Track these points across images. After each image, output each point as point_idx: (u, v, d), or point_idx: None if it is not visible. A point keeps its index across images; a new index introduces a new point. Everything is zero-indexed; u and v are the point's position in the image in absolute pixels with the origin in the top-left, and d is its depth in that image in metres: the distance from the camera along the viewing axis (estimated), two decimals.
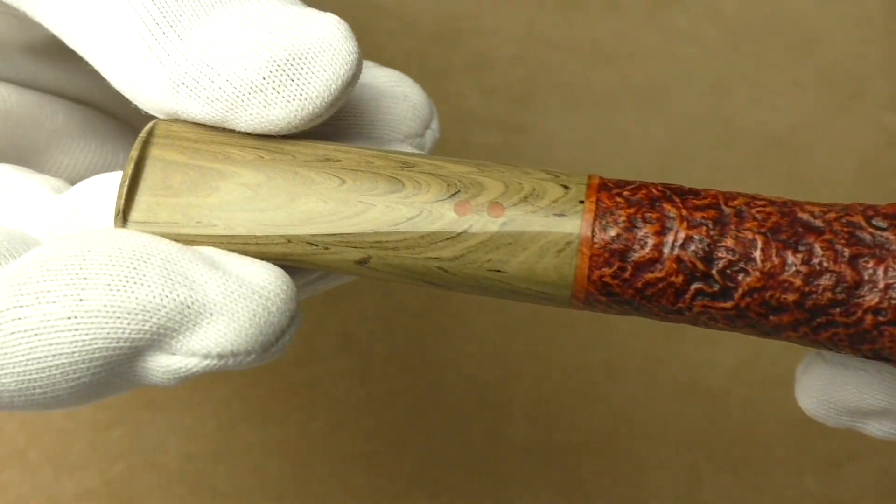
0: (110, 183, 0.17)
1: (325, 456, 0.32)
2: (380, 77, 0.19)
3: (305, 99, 0.15)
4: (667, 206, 0.15)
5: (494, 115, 0.35)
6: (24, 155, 0.21)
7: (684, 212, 0.15)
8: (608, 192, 0.16)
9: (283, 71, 0.15)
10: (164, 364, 0.15)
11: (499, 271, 0.16)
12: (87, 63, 0.17)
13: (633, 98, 0.35)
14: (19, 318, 0.15)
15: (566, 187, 0.16)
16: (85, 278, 0.15)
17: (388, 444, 0.32)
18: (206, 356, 0.15)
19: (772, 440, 0.33)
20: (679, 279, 0.15)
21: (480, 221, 0.15)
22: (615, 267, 0.15)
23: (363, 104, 0.19)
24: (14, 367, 0.15)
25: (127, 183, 0.16)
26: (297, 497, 0.32)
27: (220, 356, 0.15)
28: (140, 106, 0.17)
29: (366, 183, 0.16)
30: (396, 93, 0.20)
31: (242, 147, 0.16)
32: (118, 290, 0.15)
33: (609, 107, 0.35)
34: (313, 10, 0.16)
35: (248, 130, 0.16)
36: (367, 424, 0.32)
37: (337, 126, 0.18)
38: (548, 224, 0.15)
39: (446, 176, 0.16)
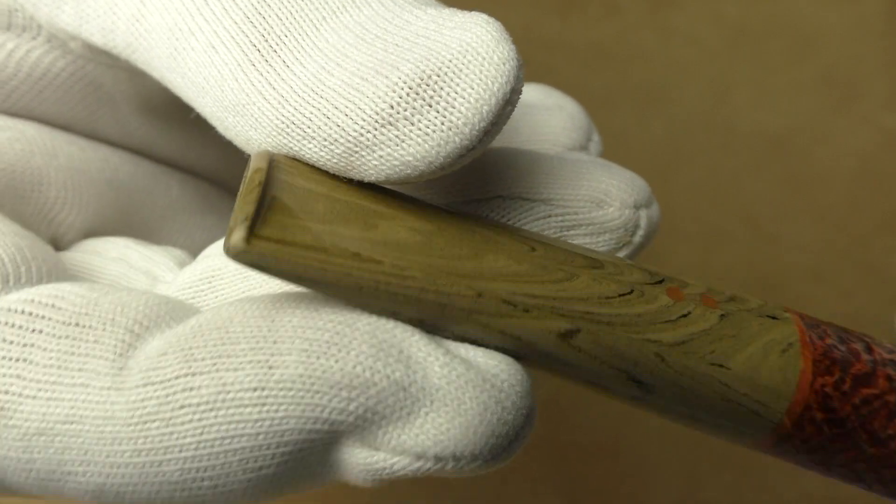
0: None
1: None
2: (525, 92, 0.17)
3: (450, 128, 0.12)
4: (855, 335, 0.15)
5: None
6: (134, 232, 0.18)
7: (874, 347, 0.15)
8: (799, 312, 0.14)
9: (417, 95, 0.12)
10: (363, 460, 0.12)
11: (722, 366, 0.14)
12: (201, 128, 0.15)
13: (632, 99, 0.35)
14: (191, 389, 0.11)
15: (763, 301, 0.14)
16: (275, 342, 0.12)
17: None
18: (419, 456, 0.12)
19: None
20: (892, 398, 0.14)
21: (698, 309, 0.14)
22: (836, 377, 0.14)
23: (515, 119, 0.16)
24: (181, 451, 0.12)
25: (257, 189, 0.12)
26: (296, 497, 0.32)
27: (437, 458, 0.12)
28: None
29: (560, 254, 0.13)
30: (549, 104, 0.17)
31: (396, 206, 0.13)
32: (318, 358, 0.11)
33: (608, 108, 0.35)
34: (453, 9, 0.13)
35: (380, 179, 0.12)
36: None
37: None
38: (764, 324, 0.14)
39: (644, 268, 0.14)
